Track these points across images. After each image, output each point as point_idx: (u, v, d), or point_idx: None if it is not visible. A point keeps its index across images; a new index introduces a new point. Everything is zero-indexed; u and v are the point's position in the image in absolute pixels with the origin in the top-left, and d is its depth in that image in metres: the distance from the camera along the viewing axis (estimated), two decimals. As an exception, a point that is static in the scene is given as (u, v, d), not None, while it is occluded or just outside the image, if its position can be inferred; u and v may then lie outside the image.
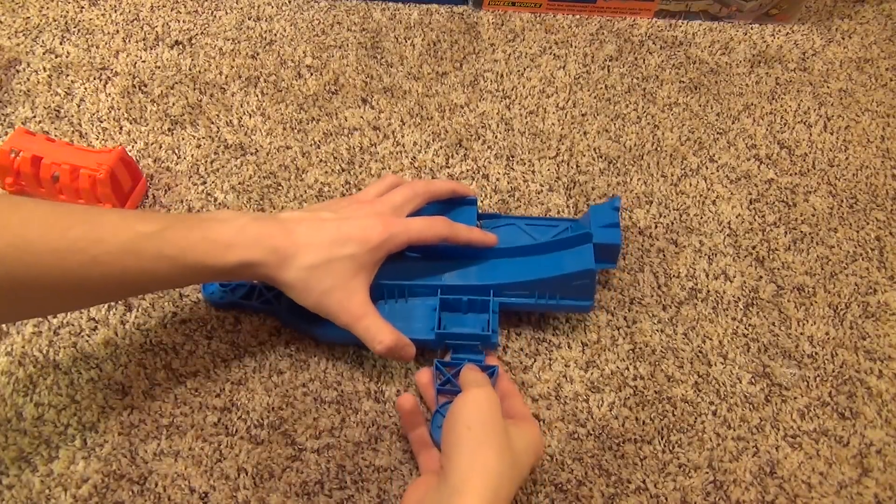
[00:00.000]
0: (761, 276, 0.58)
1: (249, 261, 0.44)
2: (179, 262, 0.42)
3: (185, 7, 0.72)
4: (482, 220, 0.56)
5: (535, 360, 0.53)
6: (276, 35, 0.70)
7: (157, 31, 0.70)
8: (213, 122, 0.64)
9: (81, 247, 0.40)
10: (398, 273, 0.51)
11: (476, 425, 0.41)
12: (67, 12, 0.71)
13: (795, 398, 0.52)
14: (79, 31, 0.70)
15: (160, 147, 0.62)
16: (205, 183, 0.60)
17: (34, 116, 0.63)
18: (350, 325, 0.47)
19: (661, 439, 0.50)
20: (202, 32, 0.70)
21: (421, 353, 0.51)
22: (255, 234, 0.44)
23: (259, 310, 0.53)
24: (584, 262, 0.50)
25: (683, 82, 0.70)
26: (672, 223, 0.61)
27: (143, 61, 0.68)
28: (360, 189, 0.61)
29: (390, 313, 0.50)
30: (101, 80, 0.66)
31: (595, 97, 0.68)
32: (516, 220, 0.56)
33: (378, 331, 0.47)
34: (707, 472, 0.49)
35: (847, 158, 0.66)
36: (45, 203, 0.42)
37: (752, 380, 0.53)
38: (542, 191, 0.62)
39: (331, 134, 0.64)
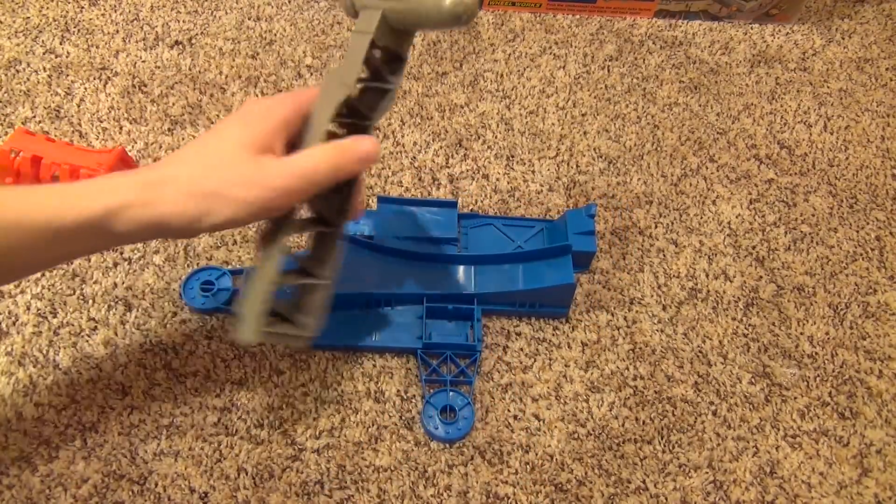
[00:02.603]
0: (761, 276, 0.58)
1: (113, 205, 0.35)
2: (23, 227, 0.35)
3: (185, 7, 0.72)
4: (461, 220, 0.57)
5: (535, 360, 0.53)
6: (276, 35, 0.70)
7: (157, 31, 0.70)
8: (213, 122, 0.64)
9: None
10: (385, 281, 0.52)
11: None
12: (67, 12, 0.71)
13: (795, 398, 0.52)
14: (79, 31, 0.70)
15: (160, 147, 0.62)
16: (205, 183, 0.60)
17: (34, 116, 0.63)
18: (294, 189, 0.37)
19: (661, 439, 0.50)
20: (202, 32, 0.70)
21: (407, 358, 0.52)
22: (115, 178, 0.37)
23: None
24: (564, 276, 0.52)
25: (683, 82, 0.70)
26: (672, 223, 0.61)
27: (143, 61, 0.68)
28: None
29: (377, 321, 0.52)
30: (101, 80, 0.66)
31: (595, 97, 0.68)
32: (493, 221, 0.58)
33: (325, 156, 0.38)
34: (707, 472, 0.49)
35: (847, 158, 0.66)
36: None
37: (752, 380, 0.53)
38: (542, 191, 0.62)
39: (331, 134, 0.64)
